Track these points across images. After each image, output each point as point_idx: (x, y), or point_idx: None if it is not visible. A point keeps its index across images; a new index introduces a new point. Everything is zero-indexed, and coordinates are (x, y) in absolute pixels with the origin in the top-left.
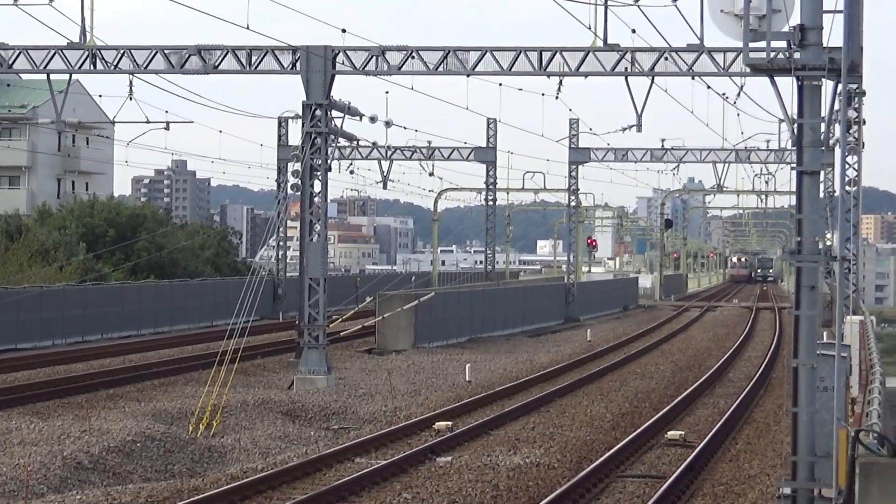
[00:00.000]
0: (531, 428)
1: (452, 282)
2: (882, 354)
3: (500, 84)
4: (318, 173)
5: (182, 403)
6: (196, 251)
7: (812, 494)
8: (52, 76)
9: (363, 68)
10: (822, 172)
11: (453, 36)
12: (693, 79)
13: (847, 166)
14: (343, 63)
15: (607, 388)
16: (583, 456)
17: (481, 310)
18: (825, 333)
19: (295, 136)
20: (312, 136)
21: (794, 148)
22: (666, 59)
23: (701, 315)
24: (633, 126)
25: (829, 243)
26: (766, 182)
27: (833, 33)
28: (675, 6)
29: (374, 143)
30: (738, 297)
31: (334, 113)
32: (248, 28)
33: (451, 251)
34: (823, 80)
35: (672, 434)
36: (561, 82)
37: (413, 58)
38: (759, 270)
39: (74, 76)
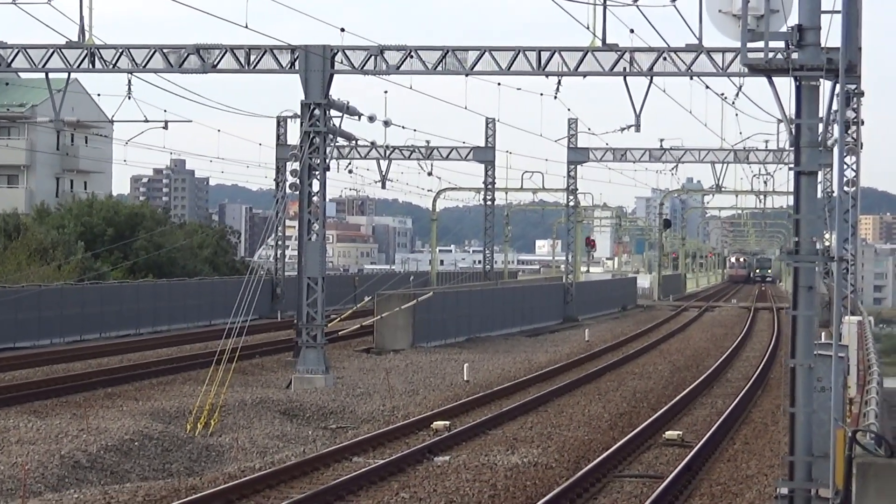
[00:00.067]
0: (529, 427)
1: (451, 281)
2: (880, 355)
3: (499, 84)
4: (317, 172)
5: (180, 402)
6: (194, 250)
7: (809, 494)
8: (51, 75)
9: (362, 68)
10: (820, 173)
11: (452, 36)
12: (692, 79)
13: (845, 167)
14: (342, 62)
15: (605, 387)
16: (580, 456)
17: (480, 309)
18: (823, 334)
19: (293, 136)
20: (311, 136)
21: (793, 148)
22: (664, 59)
23: (699, 315)
24: (632, 126)
25: (827, 244)
26: (765, 182)
27: (831, 33)
28: (674, 6)
29: (372, 143)
30: (736, 298)
31: (333, 112)
32: (246, 27)
33: (450, 251)
34: (821, 80)
35: (670, 434)
36: (559, 82)
37: (412, 57)
38: (757, 271)
39: (73, 75)
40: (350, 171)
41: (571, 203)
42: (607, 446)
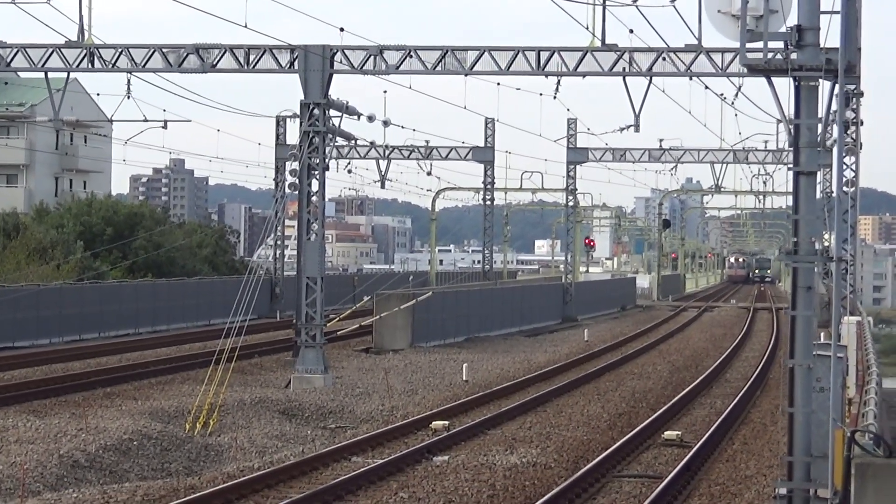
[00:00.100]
0: (528, 427)
1: (450, 281)
2: (879, 355)
3: (498, 84)
4: (316, 172)
5: (179, 402)
6: (194, 250)
7: (808, 495)
8: (50, 74)
9: (361, 67)
10: (819, 173)
11: (452, 36)
12: (691, 79)
13: (844, 167)
14: (341, 62)
15: (604, 387)
16: (579, 456)
17: (479, 309)
18: (822, 334)
19: (293, 136)
20: (310, 136)
21: (792, 148)
22: (664, 59)
23: (698, 315)
24: (631, 126)
25: (826, 244)
26: (764, 182)
27: (830, 34)
28: (674, 6)
29: (371, 143)
30: (735, 298)
31: (332, 112)
32: (246, 27)
33: (449, 251)
34: (820, 80)
35: (669, 434)
36: (559, 82)
37: (411, 57)
38: (756, 271)
39: (72, 74)
40: (349, 171)
41: (571, 203)
42: (606, 446)
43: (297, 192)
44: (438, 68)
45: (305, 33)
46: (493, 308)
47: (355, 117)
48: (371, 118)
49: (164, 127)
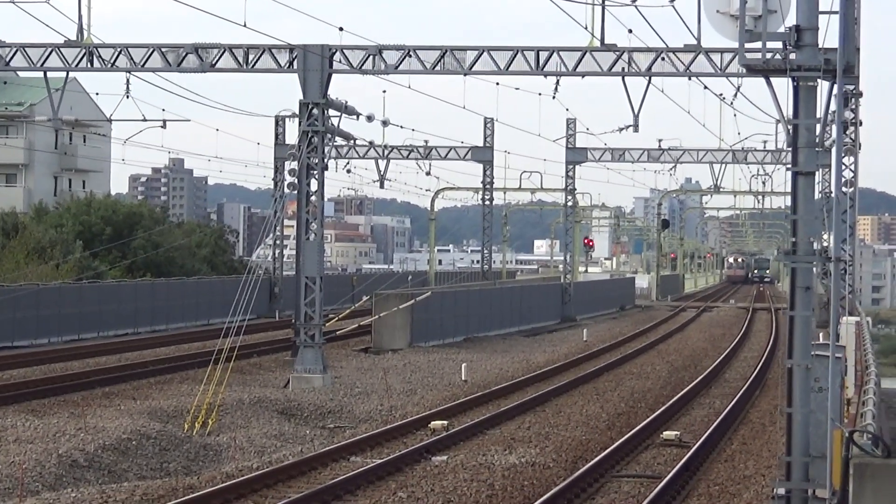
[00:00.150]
0: (527, 427)
1: (449, 281)
2: (878, 355)
3: (497, 83)
4: (315, 172)
5: (178, 402)
6: (193, 249)
7: (806, 495)
8: (49, 74)
9: (360, 67)
10: (818, 173)
11: (451, 35)
12: (690, 79)
13: (843, 167)
14: (340, 62)
15: (603, 387)
16: (578, 456)
17: (478, 309)
18: (821, 334)
19: (292, 135)
20: (309, 135)
21: (790, 149)
22: (663, 59)
23: (697, 315)
24: (630, 126)
25: (825, 244)
26: (763, 183)
27: (829, 34)
28: (673, 6)
29: (371, 143)
30: (734, 298)
31: (331, 112)
32: (245, 26)
33: (448, 250)
34: (819, 80)
35: (668, 434)
36: (558, 82)
37: (410, 57)
38: (755, 271)
39: (71, 74)
40: (348, 171)
41: (570, 203)
42: (605, 446)
43: (296, 192)
44: (437, 68)
45: (304, 33)
46: (492, 308)
47: (354, 117)
48: (370, 118)
49: (163, 126)
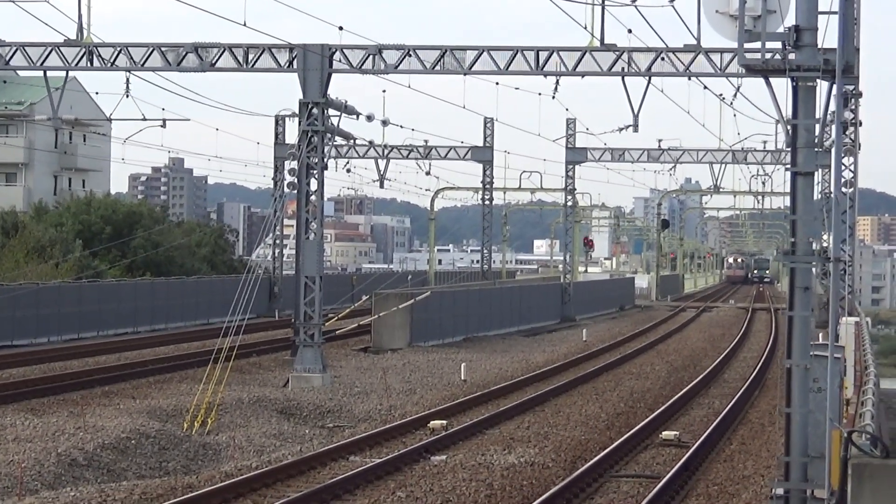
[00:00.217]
0: (526, 427)
1: (449, 281)
2: (877, 356)
3: (497, 83)
4: (315, 172)
5: (177, 401)
6: (192, 249)
7: (805, 495)
8: (49, 73)
9: (360, 67)
10: (818, 173)
11: (451, 35)
12: (690, 79)
13: (843, 168)
14: (340, 61)
15: (602, 387)
16: (577, 455)
17: (477, 309)
18: (821, 335)
19: (292, 135)
20: (309, 135)
21: (790, 149)
22: (662, 59)
23: (697, 315)
24: (630, 126)
25: (825, 244)
26: (763, 183)
27: (829, 34)
28: (672, 6)
29: (370, 142)
30: (734, 298)
31: (331, 111)
32: (245, 25)
33: (448, 250)
34: (818, 81)
35: (667, 434)
36: (558, 82)
37: (410, 56)
38: (755, 271)
39: (71, 73)
40: (348, 171)
41: (569, 203)
42: (604, 446)
43: (295, 192)
44: (437, 68)
45: (304, 32)
46: (492, 308)
47: (354, 116)
48: (370, 117)
49: (163, 126)
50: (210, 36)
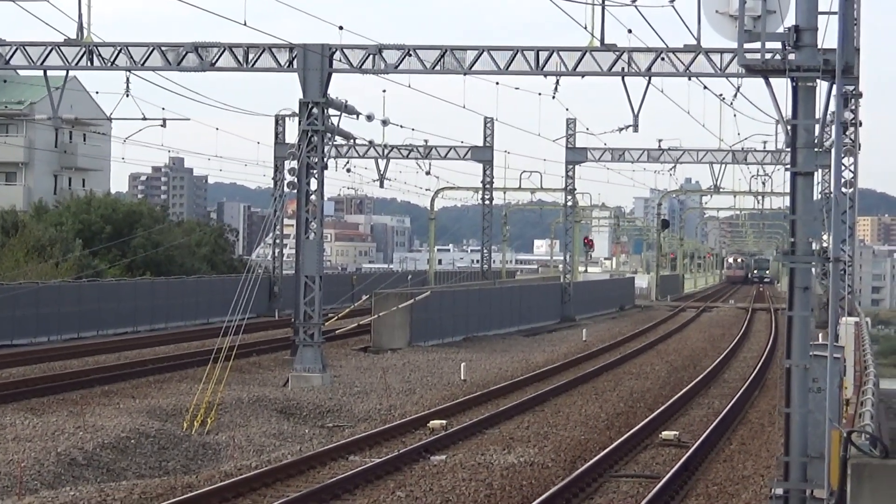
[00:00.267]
0: (525, 427)
1: (449, 281)
2: (877, 356)
3: (497, 83)
4: (315, 171)
5: (177, 400)
6: (192, 248)
7: (804, 495)
8: (49, 72)
9: (360, 66)
10: (818, 173)
11: (451, 35)
12: (690, 79)
13: (843, 168)
14: (340, 61)
15: (602, 387)
16: (577, 455)
17: (477, 309)
18: (820, 335)
19: (292, 134)
20: (309, 134)
21: (789, 149)
22: (662, 59)
23: (697, 315)
24: (630, 126)
25: (825, 245)
26: (763, 183)
27: (828, 34)
28: (672, 7)
29: (370, 142)
30: (734, 298)
31: (331, 111)
32: (245, 25)
33: (448, 250)
34: (818, 81)
35: (666, 434)
36: (558, 82)
37: (410, 56)
38: (755, 271)
39: (71, 72)
40: (348, 170)
41: (569, 203)
42: (604, 446)
43: (295, 191)
44: (437, 68)
45: (304, 32)
46: (492, 307)
47: (354, 116)
48: (370, 117)
49: (163, 125)
50: (210, 36)
